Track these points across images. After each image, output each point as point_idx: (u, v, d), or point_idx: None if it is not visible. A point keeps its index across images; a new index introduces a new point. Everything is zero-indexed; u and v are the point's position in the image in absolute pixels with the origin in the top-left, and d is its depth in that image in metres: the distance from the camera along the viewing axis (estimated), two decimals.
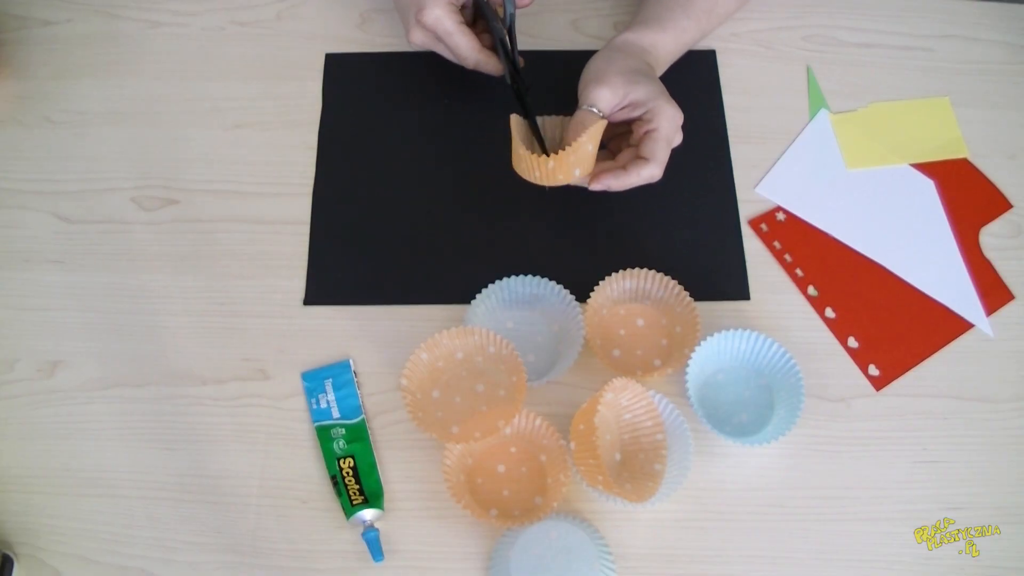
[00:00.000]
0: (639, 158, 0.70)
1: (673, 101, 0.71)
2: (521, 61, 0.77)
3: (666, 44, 0.76)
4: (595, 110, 0.70)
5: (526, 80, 0.75)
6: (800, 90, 0.84)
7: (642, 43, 0.75)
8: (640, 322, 0.74)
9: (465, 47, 0.76)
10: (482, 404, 0.70)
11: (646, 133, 0.70)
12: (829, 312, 0.75)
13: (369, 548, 0.66)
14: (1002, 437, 0.70)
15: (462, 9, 0.78)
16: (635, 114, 0.71)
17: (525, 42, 0.85)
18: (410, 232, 0.78)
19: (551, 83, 0.80)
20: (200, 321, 0.75)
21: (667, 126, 0.70)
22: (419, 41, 0.77)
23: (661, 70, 0.76)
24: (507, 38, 0.74)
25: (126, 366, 0.73)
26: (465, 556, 0.67)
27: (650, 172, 0.70)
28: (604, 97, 0.70)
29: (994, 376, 0.72)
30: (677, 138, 0.72)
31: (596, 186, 0.71)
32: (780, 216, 0.78)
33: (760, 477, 0.69)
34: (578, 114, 0.70)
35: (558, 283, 0.73)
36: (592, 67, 0.73)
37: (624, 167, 0.71)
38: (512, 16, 0.74)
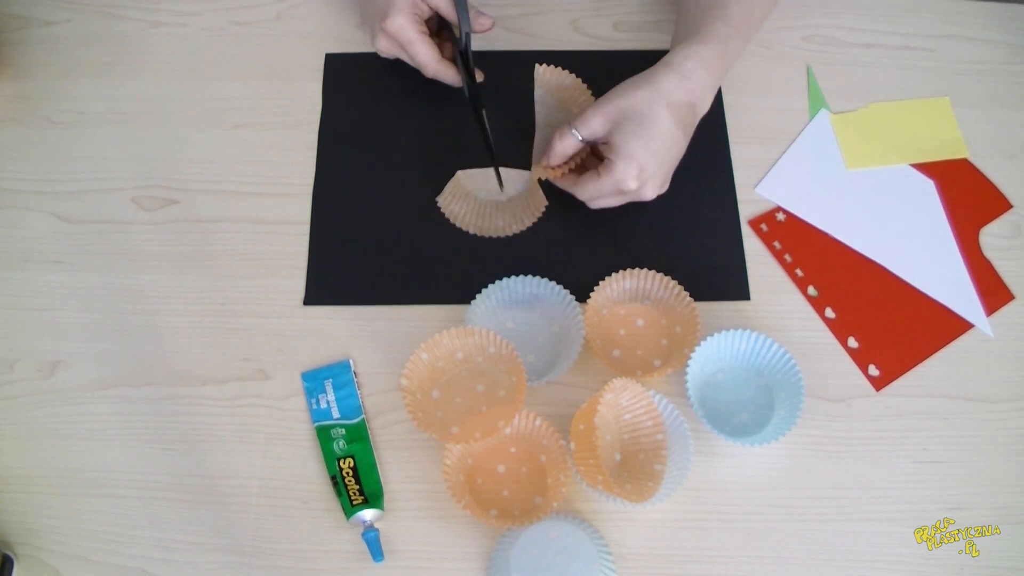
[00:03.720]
0: (577, 175, 0.74)
1: (637, 174, 0.70)
2: (480, 76, 0.79)
3: (711, 60, 0.71)
4: (575, 132, 0.71)
5: (482, 96, 0.77)
6: (800, 90, 0.84)
7: (684, 68, 0.70)
8: (640, 322, 0.74)
9: (425, 56, 0.77)
10: (482, 404, 0.70)
11: (593, 171, 0.72)
12: (829, 312, 0.75)
13: (369, 548, 0.66)
14: (1002, 437, 0.70)
15: (427, 20, 0.78)
16: (606, 153, 0.71)
17: (525, 42, 0.85)
18: (410, 232, 0.78)
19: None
20: (200, 321, 0.75)
21: (608, 184, 0.71)
22: (383, 47, 0.79)
23: (709, 95, 0.73)
24: (466, 50, 0.76)
25: (126, 366, 0.73)
26: (465, 556, 0.67)
27: (571, 188, 0.74)
28: (591, 126, 0.71)
29: (994, 376, 0.72)
30: (615, 200, 0.74)
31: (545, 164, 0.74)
32: (780, 216, 0.78)
33: (760, 477, 0.69)
34: (563, 128, 0.72)
35: (558, 283, 0.73)
36: (616, 90, 0.71)
37: (568, 170, 0.74)
38: (468, 36, 0.76)
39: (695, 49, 0.71)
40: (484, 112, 0.75)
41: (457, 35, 0.77)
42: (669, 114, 0.69)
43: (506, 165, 0.77)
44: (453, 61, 0.78)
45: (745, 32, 0.75)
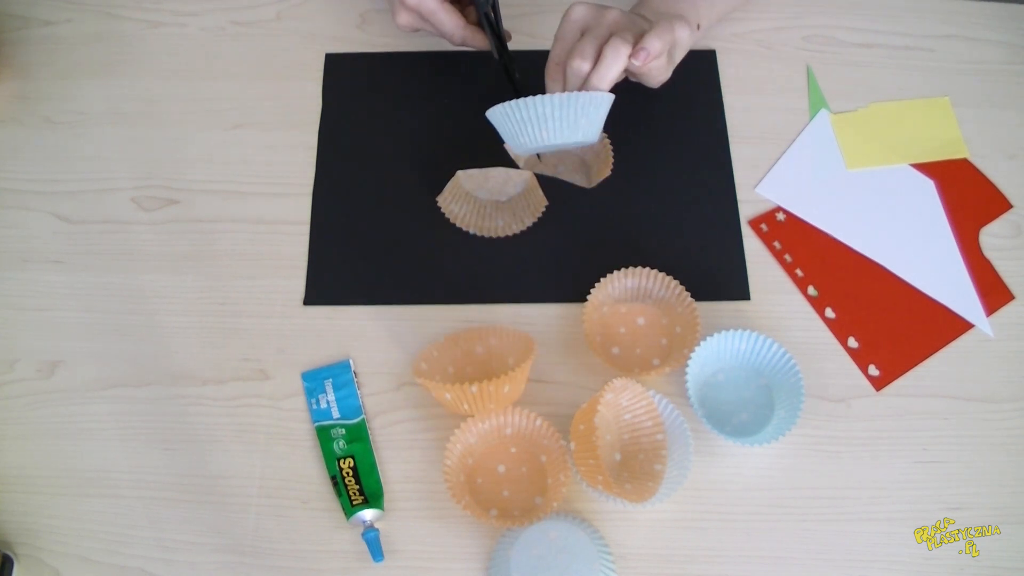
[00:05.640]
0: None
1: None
2: (508, 35, 0.77)
3: None
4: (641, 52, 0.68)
5: (513, 56, 0.75)
6: (800, 90, 0.84)
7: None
8: (640, 321, 0.74)
9: (450, 24, 0.76)
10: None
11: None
12: (829, 312, 0.75)
13: (369, 548, 0.66)
14: (1002, 437, 0.70)
15: None
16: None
17: (525, 42, 0.85)
18: (410, 232, 0.78)
19: None
20: (200, 321, 0.75)
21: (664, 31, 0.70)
22: (405, 22, 0.77)
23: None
24: (491, 12, 0.74)
25: (126, 366, 0.73)
26: (465, 556, 0.67)
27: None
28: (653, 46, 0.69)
29: (994, 376, 0.72)
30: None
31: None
32: (780, 216, 0.78)
33: (760, 477, 0.69)
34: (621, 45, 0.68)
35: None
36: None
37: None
38: None
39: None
40: (516, 75, 0.74)
41: None
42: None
43: (506, 165, 0.77)
44: (479, 25, 0.77)
45: None
